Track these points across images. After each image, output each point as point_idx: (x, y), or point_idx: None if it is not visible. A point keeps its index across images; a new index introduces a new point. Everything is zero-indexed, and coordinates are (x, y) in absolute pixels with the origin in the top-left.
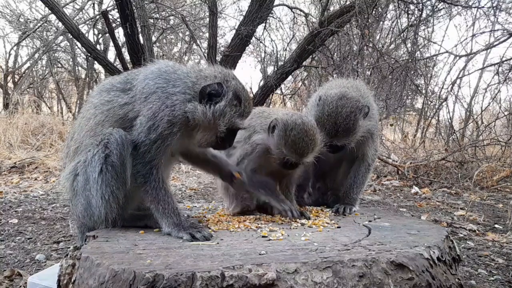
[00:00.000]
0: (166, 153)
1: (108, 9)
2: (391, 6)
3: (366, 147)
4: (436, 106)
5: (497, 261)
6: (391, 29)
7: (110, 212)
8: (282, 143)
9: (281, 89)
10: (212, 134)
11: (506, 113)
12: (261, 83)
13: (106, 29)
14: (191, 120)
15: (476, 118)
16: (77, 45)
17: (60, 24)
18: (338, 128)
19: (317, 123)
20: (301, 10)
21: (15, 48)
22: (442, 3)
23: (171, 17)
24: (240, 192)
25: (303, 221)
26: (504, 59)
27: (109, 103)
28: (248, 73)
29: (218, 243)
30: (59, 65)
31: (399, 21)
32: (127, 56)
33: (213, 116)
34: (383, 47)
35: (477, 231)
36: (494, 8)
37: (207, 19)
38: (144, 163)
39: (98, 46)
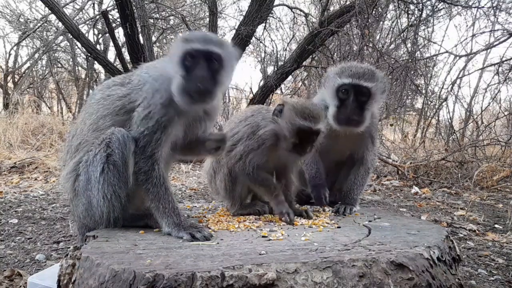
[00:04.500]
0: (167, 145)
1: (108, 9)
2: (391, 6)
3: (366, 151)
4: (436, 106)
5: (497, 261)
6: (391, 29)
7: (112, 212)
8: (294, 114)
9: (281, 89)
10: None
11: (506, 113)
12: (261, 83)
13: (106, 29)
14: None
15: (476, 118)
16: (77, 45)
17: (60, 24)
18: (365, 69)
19: (340, 72)
20: (301, 10)
21: (15, 48)
22: (442, 3)
23: (171, 17)
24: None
25: (303, 221)
26: (504, 59)
27: (109, 97)
28: (248, 73)
29: (218, 243)
30: (59, 65)
31: (399, 21)
32: (127, 56)
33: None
34: (383, 47)
35: (477, 231)
36: (494, 8)
37: (207, 19)
38: (145, 158)
39: (98, 46)
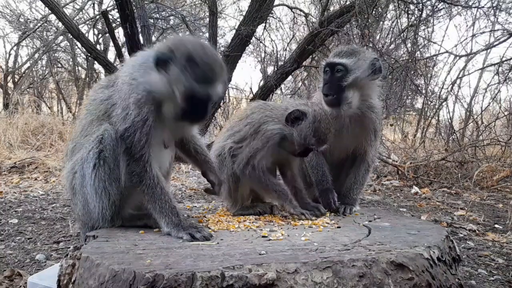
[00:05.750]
0: (153, 144)
1: (108, 9)
2: (391, 6)
3: (368, 146)
4: (436, 106)
5: (497, 261)
6: (391, 29)
7: (103, 208)
8: (311, 134)
9: (281, 89)
10: (175, 104)
11: (506, 113)
12: (261, 83)
13: (106, 29)
14: (155, 96)
15: (476, 118)
16: (77, 45)
17: (60, 24)
18: (344, 48)
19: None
20: (301, 10)
21: (15, 48)
22: (442, 3)
23: (171, 17)
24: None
25: (303, 221)
26: (504, 59)
27: (94, 101)
28: (248, 73)
29: (218, 243)
30: (59, 65)
31: (399, 21)
32: (127, 56)
33: (168, 83)
34: (383, 47)
35: (477, 231)
36: (494, 8)
37: (207, 19)
38: (135, 160)
39: (98, 46)
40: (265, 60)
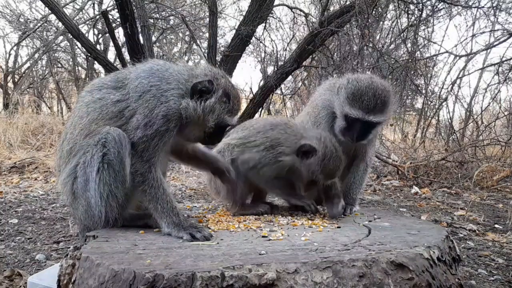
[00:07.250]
0: (164, 150)
1: (108, 9)
2: (391, 6)
3: (367, 146)
4: (436, 106)
5: (497, 261)
6: (391, 29)
7: (110, 212)
8: (319, 170)
9: (281, 89)
10: (201, 129)
11: (506, 113)
12: (261, 83)
13: (106, 29)
14: (183, 117)
15: (476, 118)
16: (77, 45)
17: (60, 24)
18: (377, 100)
19: (351, 99)
20: (301, 10)
21: (15, 48)
22: (442, 3)
23: (171, 17)
24: (230, 186)
25: (303, 221)
26: (504, 59)
27: (101, 100)
28: (248, 73)
29: (218, 243)
30: (59, 65)
31: (399, 21)
32: (127, 56)
33: (203, 112)
34: (383, 47)
35: (477, 231)
36: (494, 8)
37: (207, 19)
38: (142, 162)
39: (98, 46)
40: (265, 60)
